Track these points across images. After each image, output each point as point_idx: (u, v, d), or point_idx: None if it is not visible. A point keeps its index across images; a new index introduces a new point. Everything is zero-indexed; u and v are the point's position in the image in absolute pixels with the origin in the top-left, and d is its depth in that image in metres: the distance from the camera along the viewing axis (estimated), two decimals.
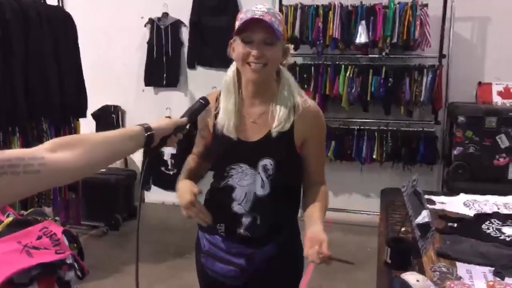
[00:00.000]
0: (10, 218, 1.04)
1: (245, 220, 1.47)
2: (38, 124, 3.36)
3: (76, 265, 1.03)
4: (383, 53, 4.05)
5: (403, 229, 1.92)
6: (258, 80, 1.41)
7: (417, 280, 1.33)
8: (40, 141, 3.37)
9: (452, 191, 3.09)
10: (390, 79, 4.08)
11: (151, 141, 1.13)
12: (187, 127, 1.30)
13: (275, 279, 1.54)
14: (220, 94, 1.52)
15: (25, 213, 1.19)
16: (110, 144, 0.99)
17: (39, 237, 1.00)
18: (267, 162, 1.42)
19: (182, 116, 1.32)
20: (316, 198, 1.51)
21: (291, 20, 4.19)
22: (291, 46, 4.29)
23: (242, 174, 1.45)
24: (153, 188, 5.02)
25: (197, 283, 1.68)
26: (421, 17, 3.90)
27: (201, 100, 1.39)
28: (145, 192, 5.05)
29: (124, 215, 4.41)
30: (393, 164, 4.29)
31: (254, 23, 1.33)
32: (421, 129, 4.20)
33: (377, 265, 1.75)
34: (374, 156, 4.23)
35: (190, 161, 1.59)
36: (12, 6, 3.08)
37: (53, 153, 0.83)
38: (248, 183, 1.45)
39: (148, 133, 1.12)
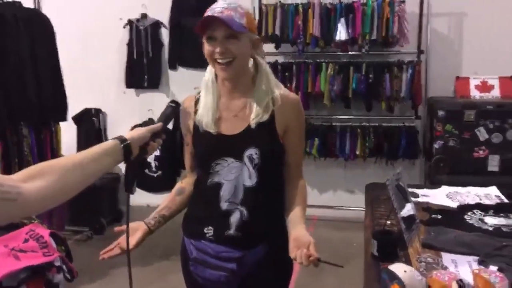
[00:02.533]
0: None
1: (234, 219, 1.46)
2: (17, 129, 3.31)
3: (64, 268, 1.01)
4: (363, 50, 4.09)
5: (388, 222, 1.94)
6: (230, 76, 1.42)
7: (405, 271, 1.35)
8: (20, 146, 3.32)
9: (434, 184, 3.14)
10: (370, 75, 4.12)
11: (129, 152, 1.12)
12: (163, 135, 1.31)
13: (267, 281, 1.53)
14: (197, 96, 1.54)
15: None
16: (83, 167, 0.98)
17: (26, 240, 0.98)
18: (252, 151, 1.43)
19: (156, 122, 1.33)
20: (296, 194, 1.52)
21: (272, 19, 4.20)
22: (272, 45, 4.32)
23: (228, 168, 1.45)
24: (138, 190, 4.98)
25: (184, 285, 1.66)
26: (399, 13, 3.95)
27: (171, 104, 1.42)
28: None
29: (108, 219, 4.36)
30: (376, 160, 4.34)
31: (212, 20, 1.35)
32: (402, 124, 4.26)
33: (364, 258, 1.77)
34: (357, 152, 4.27)
35: (177, 185, 1.61)
36: None
37: (26, 182, 0.83)
38: (235, 176, 1.45)
39: (124, 144, 1.10)
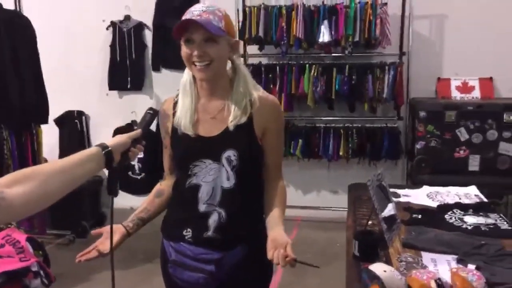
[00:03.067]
0: None
1: (212, 221, 1.46)
2: None
3: (42, 273, 1.00)
4: (346, 52, 4.12)
5: (370, 222, 1.96)
6: (207, 78, 1.43)
7: (384, 271, 1.37)
8: (1, 148, 3.27)
9: (416, 184, 3.18)
10: (353, 77, 4.16)
11: (111, 158, 1.14)
12: (143, 141, 1.33)
13: (246, 283, 1.53)
14: (176, 98, 1.53)
15: None
16: (65, 172, 1.00)
17: (2, 245, 0.97)
18: (231, 153, 1.43)
19: (136, 129, 1.34)
20: (275, 195, 1.52)
21: (255, 21, 4.21)
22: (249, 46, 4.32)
23: (206, 169, 1.45)
24: (121, 193, 4.94)
25: None
26: (381, 15, 3.99)
27: (149, 111, 1.41)
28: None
29: (91, 222, 4.32)
30: (359, 160, 4.37)
31: (190, 24, 1.36)
32: (384, 125, 4.30)
33: (346, 258, 1.78)
34: (341, 153, 4.30)
35: (156, 188, 1.60)
36: None
37: (10, 188, 0.83)
38: (213, 177, 1.45)
39: (105, 150, 1.12)
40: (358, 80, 4.15)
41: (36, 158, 3.67)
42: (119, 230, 1.49)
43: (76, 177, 1.03)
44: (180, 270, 1.50)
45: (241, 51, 4.44)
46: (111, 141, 1.19)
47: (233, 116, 1.44)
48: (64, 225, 4.13)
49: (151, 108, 1.42)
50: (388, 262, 1.68)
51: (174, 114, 1.51)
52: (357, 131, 4.30)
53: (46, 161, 4.81)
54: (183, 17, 1.39)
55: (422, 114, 3.90)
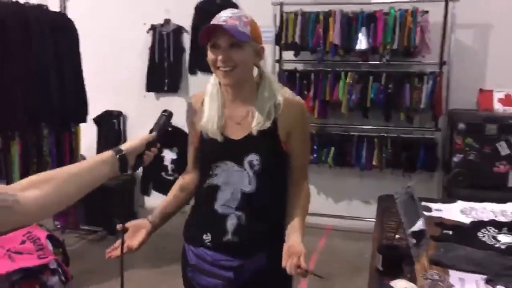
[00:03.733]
0: None
1: (230, 224, 1.45)
2: (37, 129, 3.38)
3: (60, 270, 1.03)
4: (383, 60, 4.04)
5: (397, 236, 1.91)
6: (231, 83, 1.43)
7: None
8: (40, 146, 3.39)
9: (452, 198, 3.07)
10: (390, 85, 4.07)
11: (125, 162, 1.16)
12: (158, 144, 1.35)
13: None
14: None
15: None
16: (80, 176, 1.02)
17: (23, 242, 1.00)
18: (253, 157, 1.43)
19: (151, 132, 1.35)
20: (298, 200, 1.50)
21: (292, 27, 4.20)
22: (288, 52, 4.31)
23: (228, 172, 1.45)
24: (153, 193, 5.02)
25: None
26: (422, 24, 3.90)
27: (164, 113, 1.43)
28: (145, 197, 5.06)
29: (123, 220, 4.40)
30: (393, 171, 4.27)
31: (216, 29, 1.37)
32: (421, 135, 4.19)
33: (369, 272, 1.74)
34: (374, 163, 4.22)
35: (173, 190, 1.62)
36: (13, 12, 3.11)
37: (24, 191, 0.86)
38: (235, 180, 1.45)
39: (119, 155, 1.14)
40: (394, 89, 4.07)
41: (74, 155, 3.79)
42: (144, 225, 1.51)
43: (91, 181, 1.05)
44: (198, 275, 1.51)
45: (277, 56, 4.44)
46: (125, 145, 1.21)
47: (256, 122, 1.44)
48: (97, 222, 4.24)
49: (165, 110, 1.44)
50: (413, 279, 1.62)
51: (202, 110, 1.51)
52: (392, 140, 4.21)
53: (84, 158, 4.96)
54: (210, 23, 1.40)
55: (461, 126, 3.77)
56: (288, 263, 1.28)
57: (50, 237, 1.00)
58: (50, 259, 0.95)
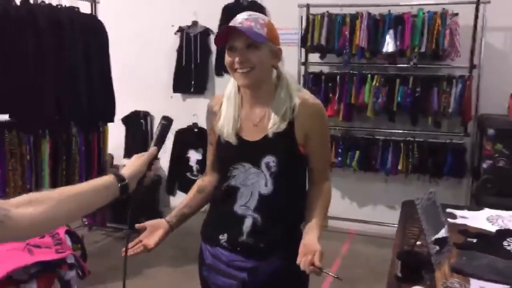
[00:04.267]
0: None
1: (246, 226, 1.46)
2: (67, 128, 3.48)
3: (77, 265, 1.06)
4: (411, 63, 3.98)
5: (418, 242, 1.87)
6: (248, 84, 1.44)
7: None
8: (69, 145, 3.49)
9: (480, 206, 3.00)
10: (417, 89, 4.00)
11: (126, 189, 1.15)
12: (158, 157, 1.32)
13: None
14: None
15: None
16: (77, 200, 1.01)
17: (42, 236, 1.03)
18: (270, 159, 1.43)
19: (153, 145, 1.33)
20: (317, 199, 1.50)
21: (318, 29, 4.18)
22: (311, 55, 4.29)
23: (245, 173, 1.46)
24: (179, 193, 5.09)
25: None
26: (451, 26, 3.82)
27: (163, 121, 1.38)
28: (170, 197, 5.13)
29: (148, 219, 4.47)
30: (419, 176, 4.20)
31: (232, 31, 1.38)
32: (449, 140, 4.10)
33: (387, 278, 1.72)
34: (400, 167, 4.15)
35: (192, 190, 1.62)
36: (46, 14, 3.21)
37: (19, 208, 0.88)
38: (252, 182, 1.45)
39: (121, 184, 1.13)
40: (422, 92, 3.99)
41: (101, 154, 3.87)
42: (163, 225, 1.54)
43: (88, 205, 1.05)
44: (214, 274, 1.52)
45: (303, 59, 4.43)
46: (128, 169, 1.20)
47: (272, 123, 1.44)
48: (123, 220, 4.31)
49: (165, 118, 1.39)
50: (433, 286, 1.60)
51: (221, 112, 1.52)
52: (418, 145, 4.13)
53: (112, 157, 5.07)
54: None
55: (491, 131, 3.67)
56: (302, 260, 1.28)
57: (69, 233, 1.04)
58: (68, 253, 0.98)
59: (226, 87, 1.53)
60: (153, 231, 1.50)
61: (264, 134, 1.45)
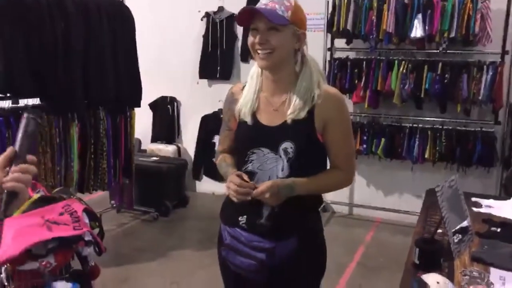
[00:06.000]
0: (38, 195, 1.13)
1: (265, 209, 1.48)
2: (95, 112, 3.56)
3: (94, 242, 1.10)
4: (440, 48, 3.88)
5: (439, 230, 1.85)
6: (267, 66, 1.44)
7: (437, 282, 1.29)
8: (97, 128, 3.57)
9: (510, 196, 2.92)
10: (446, 75, 3.90)
11: None
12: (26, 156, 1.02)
13: (297, 275, 1.53)
14: (245, 85, 1.57)
15: (53, 191, 1.28)
16: None
17: (61, 214, 1.07)
18: (288, 145, 1.44)
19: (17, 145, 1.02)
20: (321, 174, 1.50)
21: (344, 14, 4.12)
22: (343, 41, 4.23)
23: (263, 158, 1.47)
24: (204, 178, 5.15)
25: None
26: (482, 10, 3.69)
27: (31, 116, 1.04)
28: (196, 182, 5.20)
29: (174, 202, 4.56)
30: (446, 165, 4.11)
31: (252, 12, 1.38)
32: (479, 129, 3.99)
33: (405, 265, 1.71)
34: (427, 156, 4.08)
35: (225, 159, 1.59)
36: (74, 0, 3.27)
37: None
38: (270, 167, 1.47)
39: None
40: (451, 79, 3.89)
41: (128, 138, 3.95)
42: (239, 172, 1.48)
43: None
44: (232, 254, 1.54)
45: (328, 44, 4.37)
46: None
47: (291, 110, 1.44)
48: (149, 203, 4.41)
49: (32, 110, 1.08)
50: (451, 274, 1.58)
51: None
52: (446, 133, 4.04)
53: (139, 142, 5.17)
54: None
55: None
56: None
57: (86, 211, 1.07)
58: (85, 230, 1.01)
59: (251, 69, 1.54)
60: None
61: (283, 120, 1.46)
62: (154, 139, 5.30)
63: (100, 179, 3.68)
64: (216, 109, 4.97)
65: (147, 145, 5.25)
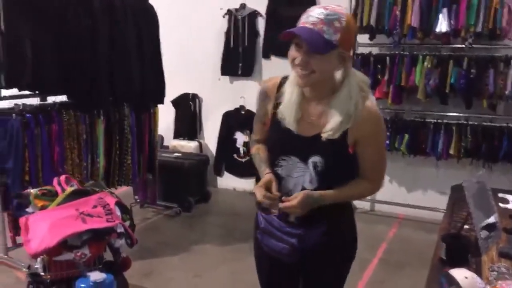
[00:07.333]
0: (72, 188, 1.17)
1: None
2: (120, 109, 3.62)
3: (126, 234, 1.13)
4: (466, 43, 3.81)
5: (466, 226, 1.83)
6: (303, 86, 1.42)
7: (466, 277, 1.28)
8: (122, 124, 3.63)
9: None
10: (472, 70, 3.83)
11: None
12: None
13: (328, 258, 1.57)
14: (280, 82, 1.53)
15: (86, 184, 1.32)
16: None
17: (95, 206, 1.10)
18: (317, 159, 1.43)
19: None
20: (347, 184, 1.49)
21: (368, 8, 4.08)
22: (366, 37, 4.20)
23: (292, 166, 1.47)
24: (226, 174, 5.18)
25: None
26: (510, 4, 3.61)
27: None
28: (218, 178, 5.23)
29: (196, 198, 4.60)
30: (472, 161, 4.05)
31: (296, 35, 1.32)
32: (505, 124, 3.91)
33: (431, 260, 1.70)
34: (451, 152, 4.02)
35: (259, 151, 1.60)
36: None
37: None
38: (298, 175, 1.47)
39: None
40: (477, 74, 3.82)
41: (152, 134, 4.01)
42: (270, 177, 1.49)
43: None
44: (267, 237, 1.58)
45: None
46: None
47: (327, 129, 1.41)
48: (172, 198, 4.46)
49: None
50: (478, 270, 1.57)
51: (276, 97, 1.51)
52: (472, 129, 3.98)
53: (162, 138, 5.23)
54: (300, 20, 1.36)
55: None
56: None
57: (118, 204, 1.10)
58: (117, 223, 1.04)
59: (291, 72, 1.46)
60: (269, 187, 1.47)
61: (316, 132, 1.44)
62: (176, 135, 5.36)
63: (124, 174, 3.74)
64: (238, 106, 4.99)
65: (170, 141, 5.31)
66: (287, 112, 1.47)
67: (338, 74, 1.44)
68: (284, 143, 1.50)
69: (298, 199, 1.39)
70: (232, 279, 3.28)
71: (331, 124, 1.41)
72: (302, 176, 1.47)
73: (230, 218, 4.37)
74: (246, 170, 4.94)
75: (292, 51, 1.38)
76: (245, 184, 5.01)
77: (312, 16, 1.32)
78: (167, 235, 3.96)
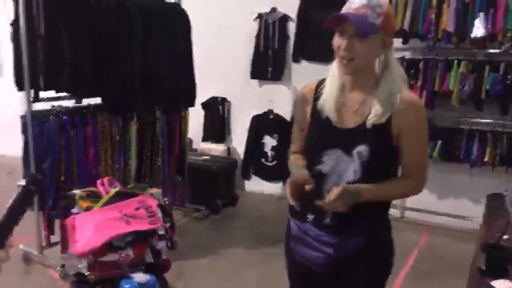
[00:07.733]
0: (115, 190, 1.19)
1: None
2: (152, 111, 3.68)
3: (167, 236, 1.14)
4: (503, 48, 3.72)
5: (505, 236, 1.79)
6: (348, 73, 1.44)
7: None
8: (153, 127, 3.69)
9: None
10: (509, 76, 3.74)
11: None
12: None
13: (363, 271, 1.53)
14: (317, 85, 1.56)
15: (128, 187, 1.34)
16: None
17: (137, 208, 1.12)
18: (363, 148, 1.42)
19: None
20: (390, 181, 1.48)
21: (402, 12, 4.02)
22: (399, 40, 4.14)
23: (336, 160, 1.46)
24: (254, 177, 5.19)
25: (285, 272, 1.72)
26: None
27: (30, 187, 0.89)
28: (245, 181, 5.24)
29: (224, 201, 4.63)
30: (507, 169, 3.94)
31: (341, 19, 1.35)
32: None
33: (469, 271, 1.66)
34: (486, 159, 3.92)
35: (296, 160, 1.57)
36: (135, 2, 3.39)
37: None
38: (341, 169, 1.45)
39: None
40: None
41: (182, 137, 4.05)
42: (306, 175, 1.48)
43: None
44: (300, 246, 1.57)
45: None
46: None
47: (373, 115, 1.42)
48: (201, 201, 4.50)
49: (31, 180, 0.90)
50: None
51: (314, 99, 1.53)
52: (508, 136, 3.87)
53: (191, 141, 5.28)
54: (343, 7, 1.40)
55: None
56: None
57: (160, 206, 1.12)
58: (159, 225, 1.06)
59: (332, 64, 1.50)
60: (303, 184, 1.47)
61: (360, 122, 1.44)
62: (204, 138, 5.40)
63: (155, 176, 3.79)
64: (266, 110, 4.99)
65: (198, 144, 5.35)
66: (327, 100, 1.48)
67: (377, 68, 1.46)
68: (325, 135, 1.49)
69: (336, 193, 1.38)
70: (258, 284, 3.28)
71: (376, 109, 1.42)
72: (345, 169, 1.45)
73: (258, 222, 4.38)
74: (274, 174, 4.93)
75: (336, 39, 1.41)
76: (273, 188, 5.01)
77: (354, 3, 1.37)
78: (195, 238, 3.99)
